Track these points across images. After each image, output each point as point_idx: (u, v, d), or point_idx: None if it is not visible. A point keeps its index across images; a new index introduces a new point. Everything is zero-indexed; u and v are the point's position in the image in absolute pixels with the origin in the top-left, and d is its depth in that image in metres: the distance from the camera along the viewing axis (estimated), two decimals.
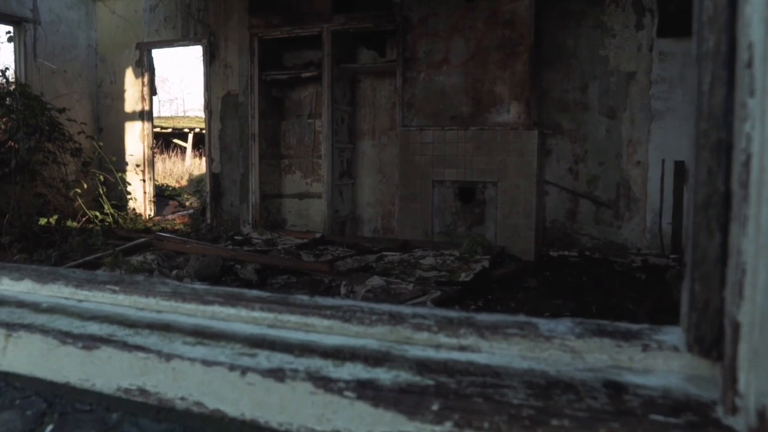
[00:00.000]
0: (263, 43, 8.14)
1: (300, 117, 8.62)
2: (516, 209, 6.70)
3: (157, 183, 10.69)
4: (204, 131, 9.26)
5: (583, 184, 7.07)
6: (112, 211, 8.47)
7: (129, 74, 9.49)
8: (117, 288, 0.73)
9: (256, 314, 0.65)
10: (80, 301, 0.74)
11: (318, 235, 7.52)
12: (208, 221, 8.77)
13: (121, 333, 0.64)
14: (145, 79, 9.44)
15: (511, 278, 5.85)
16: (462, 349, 0.57)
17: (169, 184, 14.22)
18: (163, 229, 8.54)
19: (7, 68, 8.24)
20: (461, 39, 6.90)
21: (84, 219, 7.58)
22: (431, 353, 0.56)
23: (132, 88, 9.52)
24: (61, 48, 9.03)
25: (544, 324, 0.58)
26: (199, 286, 0.72)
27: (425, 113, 7.11)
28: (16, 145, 7.63)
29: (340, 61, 7.86)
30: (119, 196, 9.05)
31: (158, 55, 27.98)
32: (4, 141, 7.76)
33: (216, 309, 0.67)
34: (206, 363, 0.56)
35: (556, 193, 7.15)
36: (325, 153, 7.85)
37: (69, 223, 6.96)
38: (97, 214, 8.01)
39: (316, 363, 0.55)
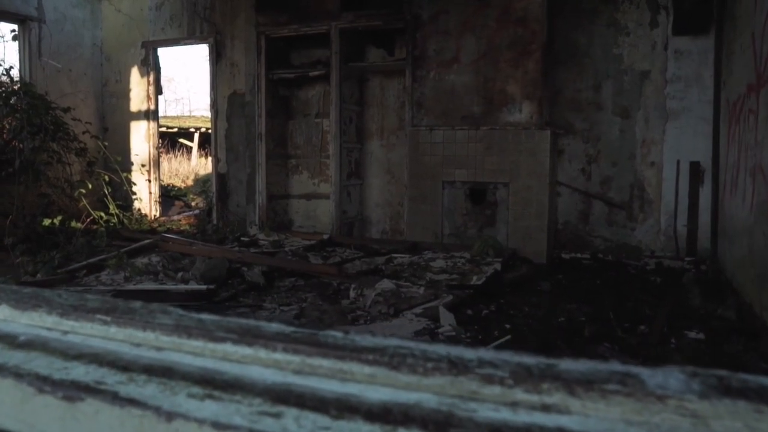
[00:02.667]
0: (270, 42, 8.02)
1: (307, 116, 8.50)
2: (528, 210, 6.56)
3: (162, 183, 10.58)
4: (210, 131, 9.15)
5: (596, 185, 6.93)
6: (117, 211, 8.36)
7: (134, 73, 9.39)
8: (109, 318, 0.61)
9: (279, 356, 0.52)
10: (65, 333, 0.62)
11: (326, 237, 7.39)
12: (214, 222, 8.66)
13: (111, 379, 0.52)
14: (151, 78, 9.34)
15: (524, 281, 5.72)
16: (545, 409, 0.44)
17: (175, 184, 14.12)
18: (168, 230, 8.44)
19: (11, 67, 8.14)
20: (472, 37, 6.76)
21: (89, 219, 7.47)
22: (507, 415, 0.43)
23: (137, 88, 9.41)
24: (66, 47, 8.94)
25: (650, 377, 0.45)
26: (207, 317, 0.59)
27: (435, 113, 6.98)
28: (20, 145, 7.53)
29: (348, 60, 7.73)
30: (124, 196, 8.95)
31: (164, 54, 27.95)
32: (9, 141, 7.66)
33: (228, 348, 0.54)
34: (218, 426, 0.44)
35: (569, 194, 7.01)
36: (332, 153, 7.73)
37: (73, 224, 6.85)
38: (102, 214, 7.90)
39: (360, 428, 0.42)
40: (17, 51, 8.53)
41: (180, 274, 5.45)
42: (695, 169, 6.47)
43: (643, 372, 0.46)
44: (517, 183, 6.60)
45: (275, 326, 0.56)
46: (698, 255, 6.41)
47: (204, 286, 4.88)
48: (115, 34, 9.42)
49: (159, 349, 0.57)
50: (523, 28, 6.56)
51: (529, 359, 0.48)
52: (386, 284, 4.91)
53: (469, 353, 0.49)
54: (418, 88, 7.04)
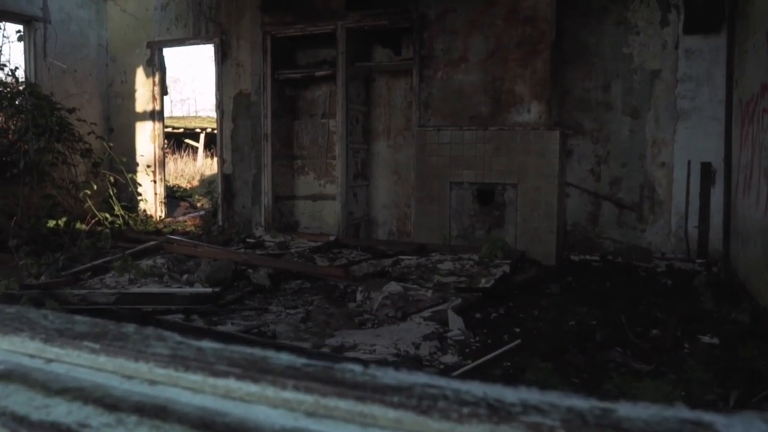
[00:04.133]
0: (276, 42, 7.95)
1: (313, 117, 8.43)
2: (537, 212, 6.48)
3: (168, 184, 10.54)
4: (216, 131, 9.09)
5: (606, 186, 6.84)
6: (122, 212, 8.32)
7: (140, 74, 9.35)
8: (97, 346, 0.54)
9: (289, 395, 0.45)
10: (49, 361, 0.55)
11: (332, 238, 7.33)
12: (220, 223, 8.60)
13: (97, 420, 0.45)
14: (156, 79, 9.29)
15: (533, 284, 5.64)
16: None
17: (181, 184, 14.08)
18: (173, 231, 8.39)
19: (17, 68, 8.10)
20: (480, 36, 6.69)
21: (94, 221, 7.43)
22: None
23: (143, 88, 9.37)
24: (71, 47, 8.90)
25: (727, 427, 0.38)
26: (207, 345, 0.53)
27: (443, 113, 6.91)
28: (25, 146, 7.49)
29: (355, 60, 7.67)
30: (130, 197, 8.91)
31: (170, 54, 27.93)
32: (14, 141, 7.63)
33: (231, 384, 0.48)
34: None
35: (578, 195, 6.92)
36: (339, 154, 7.66)
37: (78, 225, 6.80)
38: (107, 215, 7.86)
39: None
40: (22, 51, 8.49)
41: (185, 277, 5.39)
42: (706, 169, 6.38)
43: (718, 420, 0.39)
44: (526, 184, 6.52)
45: (285, 358, 0.49)
46: (710, 257, 6.32)
47: (209, 289, 4.82)
48: (121, 35, 9.37)
49: (153, 382, 0.50)
50: (532, 27, 6.48)
51: (581, 402, 0.41)
52: (394, 287, 4.84)
53: (510, 394, 0.42)
54: (425, 88, 6.97)
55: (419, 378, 0.45)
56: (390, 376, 0.45)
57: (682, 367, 3.57)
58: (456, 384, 0.44)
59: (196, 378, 0.49)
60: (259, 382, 0.46)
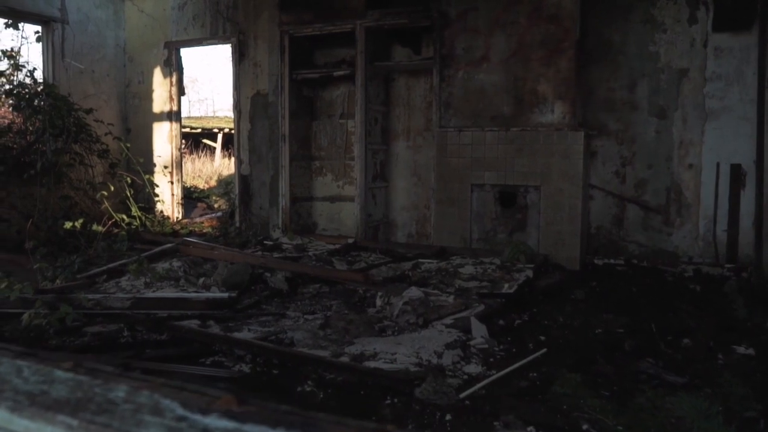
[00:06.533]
0: (294, 41, 7.85)
1: (332, 117, 8.32)
2: (560, 215, 6.32)
3: (185, 185, 10.48)
4: (233, 131, 9.01)
5: (631, 188, 6.66)
6: (139, 213, 8.26)
7: (157, 74, 9.29)
8: (75, 423, 0.42)
9: None
10: None
11: (350, 241, 7.21)
12: (237, 225, 8.52)
13: None
14: (174, 79, 9.23)
15: (557, 289, 5.49)
16: None
17: (198, 185, 14.04)
18: (190, 233, 8.32)
19: (35, 68, 8.07)
20: (502, 35, 6.54)
21: (111, 222, 7.36)
22: None
23: (160, 88, 9.31)
24: (89, 48, 8.87)
25: None
26: (216, 425, 0.40)
27: (464, 113, 6.76)
28: (43, 147, 7.45)
29: (374, 59, 7.54)
30: (147, 198, 8.86)
31: (187, 54, 28.03)
32: (31, 142, 7.59)
33: None
34: None
35: (602, 197, 6.74)
36: (357, 154, 7.54)
37: (95, 227, 6.74)
38: (124, 216, 7.80)
39: None
40: (40, 52, 8.47)
41: (201, 280, 5.30)
42: (736, 171, 6.19)
43: None
44: (549, 186, 6.36)
45: None
46: (739, 262, 6.12)
47: (226, 294, 4.72)
48: (138, 35, 9.33)
49: None
50: (555, 26, 6.32)
51: None
52: (414, 292, 4.71)
53: None
54: (446, 87, 6.83)
55: None
56: None
57: (717, 381, 3.41)
58: None
59: None
60: None
